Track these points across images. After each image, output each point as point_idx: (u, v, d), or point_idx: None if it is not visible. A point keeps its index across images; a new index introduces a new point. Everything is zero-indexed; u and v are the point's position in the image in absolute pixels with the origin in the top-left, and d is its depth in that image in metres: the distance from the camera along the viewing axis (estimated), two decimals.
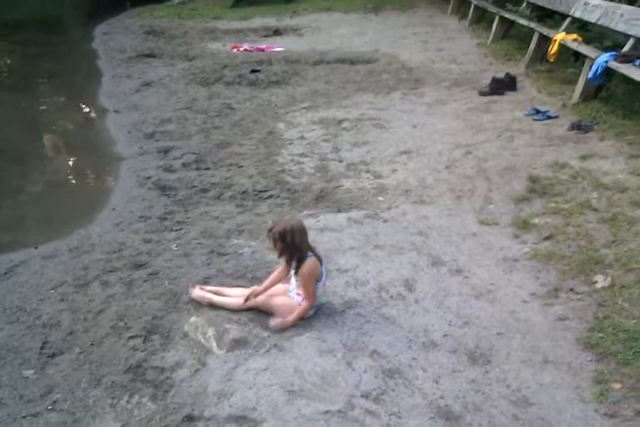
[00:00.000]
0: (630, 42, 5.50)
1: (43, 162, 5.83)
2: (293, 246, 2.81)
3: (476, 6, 10.21)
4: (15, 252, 3.86)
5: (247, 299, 2.99)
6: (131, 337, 2.88)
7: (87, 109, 7.31)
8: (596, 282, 3.19)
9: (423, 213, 4.07)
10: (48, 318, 3.07)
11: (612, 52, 5.43)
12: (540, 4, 7.96)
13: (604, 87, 5.84)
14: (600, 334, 2.79)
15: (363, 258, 3.53)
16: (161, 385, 2.59)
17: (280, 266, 3.03)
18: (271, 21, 11.85)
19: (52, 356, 2.80)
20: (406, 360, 2.69)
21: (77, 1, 16.97)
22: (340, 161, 5.01)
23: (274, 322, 2.92)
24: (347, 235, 3.79)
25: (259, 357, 2.72)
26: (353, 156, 5.11)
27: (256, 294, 3.00)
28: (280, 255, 2.88)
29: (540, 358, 2.70)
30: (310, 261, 2.85)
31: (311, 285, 2.88)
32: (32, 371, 2.71)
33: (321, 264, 2.93)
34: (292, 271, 2.90)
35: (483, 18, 10.31)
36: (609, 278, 3.18)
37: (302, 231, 2.85)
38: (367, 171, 4.79)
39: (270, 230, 2.84)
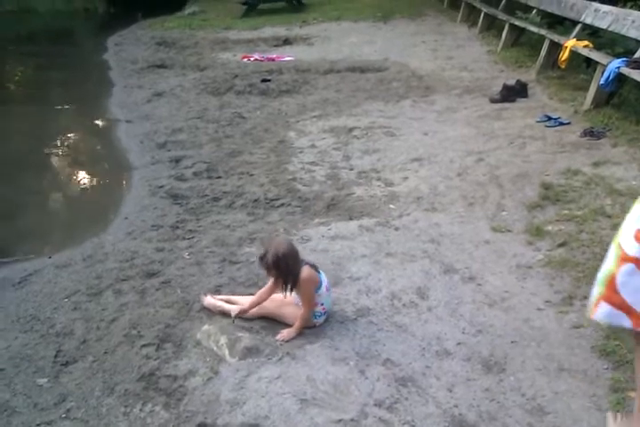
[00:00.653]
0: None
1: (55, 172, 5.90)
2: (288, 271, 2.80)
3: (485, 14, 10.23)
4: (29, 261, 3.90)
5: (235, 316, 2.97)
6: (143, 345, 2.89)
7: (99, 120, 7.38)
8: None
9: (435, 220, 4.05)
10: (62, 327, 3.08)
11: (624, 58, 5.41)
12: (550, 10, 7.97)
13: (616, 93, 5.81)
14: (616, 342, 2.75)
15: (375, 266, 3.52)
16: (174, 393, 2.59)
17: (269, 282, 2.96)
18: (281, 31, 11.93)
19: (66, 364, 2.81)
20: (420, 369, 2.67)
21: (90, 13, 17.21)
22: (351, 169, 5.02)
23: (279, 335, 2.91)
24: (358, 243, 3.79)
25: (271, 365, 2.71)
26: (364, 163, 5.11)
27: (243, 312, 2.98)
28: (276, 280, 2.85)
29: (555, 366, 2.67)
30: (305, 270, 2.85)
31: (310, 291, 2.87)
32: (46, 379, 2.72)
33: (317, 271, 2.93)
34: (288, 290, 2.86)
35: (492, 25, 10.31)
36: None
37: (294, 253, 2.83)
38: (378, 178, 4.79)
39: (262, 259, 2.81)
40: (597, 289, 1.83)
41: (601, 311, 1.81)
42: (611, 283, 1.77)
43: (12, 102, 8.54)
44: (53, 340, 2.99)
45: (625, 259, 1.73)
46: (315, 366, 2.69)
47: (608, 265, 1.82)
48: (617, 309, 1.77)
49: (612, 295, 1.76)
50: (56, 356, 2.87)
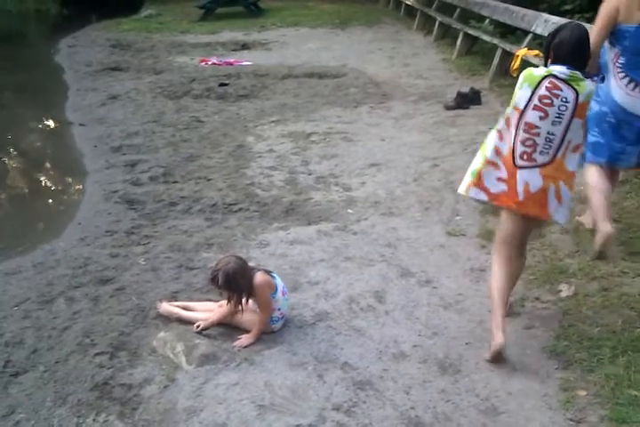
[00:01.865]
0: None
1: (6, 176, 5.72)
2: (240, 288, 2.80)
3: (440, 23, 10.45)
4: None
5: (201, 330, 2.95)
6: (97, 354, 2.82)
7: (52, 123, 7.21)
8: (560, 291, 3.25)
9: (392, 224, 4.10)
10: (11, 337, 2.98)
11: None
12: (502, 20, 8.19)
13: None
14: (565, 342, 2.84)
15: (333, 270, 3.53)
16: (129, 402, 2.54)
17: (223, 302, 2.95)
18: (239, 36, 11.90)
19: (16, 375, 2.72)
20: (377, 372, 2.70)
21: (42, 14, 16.78)
22: (310, 174, 5.03)
23: (237, 342, 2.89)
24: (317, 247, 3.80)
25: (229, 371, 2.69)
26: (322, 168, 5.14)
27: (203, 329, 2.95)
28: (230, 298, 2.83)
29: (509, 366, 2.73)
30: (258, 276, 2.85)
31: (266, 296, 2.87)
32: None
33: (271, 276, 2.93)
34: (245, 303, 2.86)
35: (447, 34, 10.54)
36: (572, 287, 3.26)
37: (244, 269, 2.82)
38: (336, 183, 4.82)
39: (213, 280, 2.80)
40: (469, 178, 2.77)
41: (471, 191, 2.77)
42: (478, 175, 2.73)
43: None
44: (2, 350, 2.88)
45: (487, 162, 2.72)
46: (273, 371, 2.68)
47: (476, 165, 2.76)
48: (480, 190, 2.74)
49: (478, 182, 2.73)
50: (5, 366, 2.77)
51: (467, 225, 4.05)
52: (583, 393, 2.54)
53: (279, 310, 2.94)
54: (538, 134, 2.58)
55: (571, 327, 2.94)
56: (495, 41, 7.79)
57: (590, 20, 5.96)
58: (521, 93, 2.61)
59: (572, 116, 2.54)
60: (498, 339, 2.64)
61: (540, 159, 2.61)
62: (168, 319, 3.06)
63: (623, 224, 3.86)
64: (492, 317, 2.75)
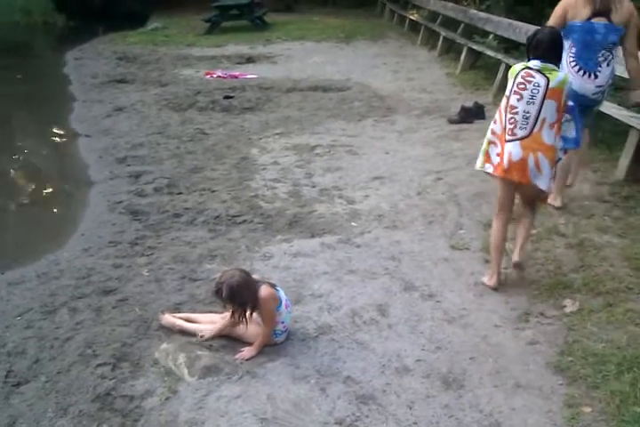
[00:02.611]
0: None
1: (11, 186, 5.74)
2: (244, 301, 2.79)
3: (444, 38, 10.53)
4: None
5: (206, 340, 2.96)
6: (99, 365, 2.81)
7: (58, 134, 7.24)
8: (564, 306, 3.24)
9: (396, 238, 4.10)
10: (13, 346, 2.98)
11: None
12: (506, 36, 8.24)
13: None
14: (570, 358, 2.83)
15: (336, 283, 3.53)
16: (130, 414, 2.53)
17: (226, 313, 2.94)
18: (244, 49, 11.99)
19: (17, 385, 2.72)
20: (380, 386, 2.68)
21: (49, 26, 16.95)
22: (314, 186, 5.04)
23: (239, 354, 2.88)
24: (320, 260, 3.80)
25: (231, 384, 2.68)
26: (326, 181, 5.15)
27: (207, 339, 2.96)
28: (234, 312, 2.83)
29: (512, 382, 2.72)
30: (263, 289, 2.84)
31: (271, 310, 2.86)
32: None
33: (276, 289, 2.92)
34: (249, 316, 2.85)
35: (451, 49, 10.61)
36: (577, 303, 3.24)
37: (247, 282, 2.80)
38: (340, 196, 4.83)
39: (217, 293, 2.79)
40: (482, 157, 3.40)
41: (485, 166, 3.37)
42: (486, 153, 3.37)
43: None
44: (4, 359, 2.88)
45: (489, 142, 3.36)
46: (275, 384, 2.67)
47: (484, 146, 3.39)
48: (490, 164, 3.35)
49: (488, 159, 3.36)
50: (7, 376, 2.77)
51: (470, 239, 4.04)
52: (588, 410, 2.52)
53: (282, 323, 2.93)
54: (517, 113, 3.18)
55: (575, 343, 2.93)
56: (499, 56, 7.84)
57: None
58: (508, 84, 3.26)
59: (544, 98, 3.11)
60: (493, 280, 3.44)
61: (520, 133, 3.18)
62: (171, 331, 3.05)
63: (628, 240, 3.85)
64: (491, 265, 3.47)
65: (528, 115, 3.15)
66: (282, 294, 2.96)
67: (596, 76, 3.98)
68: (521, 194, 3.42)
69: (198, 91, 8.31)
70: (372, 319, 3.18)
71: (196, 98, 7.98)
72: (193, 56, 11.32)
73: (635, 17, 3.87)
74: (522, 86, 3.15)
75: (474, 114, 6.76)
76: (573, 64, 4.01)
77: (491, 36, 8.84)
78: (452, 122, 6.69)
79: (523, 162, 3.17)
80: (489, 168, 3.36)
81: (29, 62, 11.74)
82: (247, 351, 2.88)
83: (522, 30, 7.57)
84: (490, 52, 8.30)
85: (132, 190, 5.02)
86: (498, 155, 3.27)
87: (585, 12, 3.87)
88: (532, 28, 7.23)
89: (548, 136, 3.17)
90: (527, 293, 3.40)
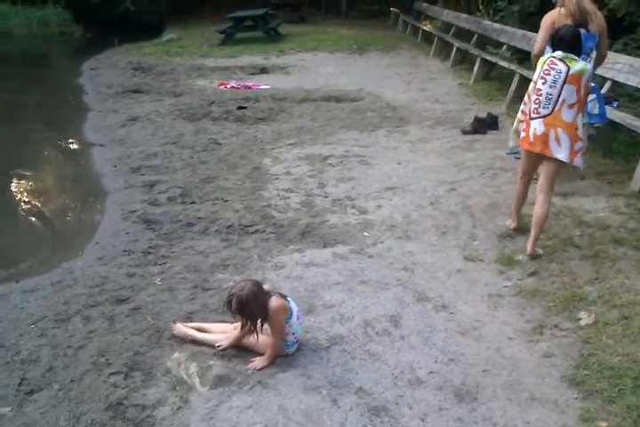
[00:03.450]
0: (607, 84, 5.69)
1: (26, 195, 5.80)
2: (254, 314, 2.77)
3: (458, 48, 10.54)
4: None
5: (223, 349, 2.96)
6: (111, 373, 2.82)
7: (73, 143, 7.32)
8: (580, 319, 3.20)
9: (408, 248, 4.09)
10: (27, 354, 3.00)
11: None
12: (519, 46, 8.25)
13: None
14: (585, 372, 2.79)
15: (348, 293, 3.52)
16: (141, 424, 2.53)
17: (238, 324, 2.93)
18: (258, 60, 12.09)
19: (31, 393, 2.73)
20: (392, 398, 2.66)
21: (66, 37, 17.21)
22: (326, 196, 5.05)
23: (251, 364, 2.87)
24: (332, 270, 3.79)
25: (242, 394, 2.67)
26: (338, 191, 5.15)
27: (224, 349, 2.96)
28: (244, 323, 2.82)
29: (527, 395, 2.68)
30: (274, 300, 2.82)
31: (280, 322, 2.84)
32: (9, 408, 2.63)
33: (287, 300, 2.91)
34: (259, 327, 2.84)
35: (464, 59, 10.62)
36: (593, 315, 3.20)
37: (257, 295, 2.77)
38: (353, 206, 4.83)
39: (229, 304, 2.78)
40: (512, 137, 4.52)
41: (515, 145, 4.33)
42: (517, 131, 4.24)
43: None
44: (18, 367, 2.90)
45: (518, 121, 4.23)
46: (287, 395, 2.66)
47: (514, 126, 4.42)
48: (519, 141, 4.09)
49: (519, 136, 4.05)
50: (20, 384, 2.78)
51: (484, 250, 4.02)
52: (604, 424, 2.48)
53: (293, 334, 2.92)
54: (541, 95, 3.74)
55: (591, 356, 2.89)
56: (513, 67, 7.83)
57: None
58: (536, 71, 3.84)
59: (564, 83, 3.65)
60: (515, 223, 4.22)
61: (543, 112, 3.75)
62: (183, 340, 3.06)
63: None
64: (512, 211, 4.24)
65: (550, 96, 3.69)
66: (293, 304, 2.95)
67: None
68: (545, 168, 3.88)
69: (212, 101, 8.37)
70: (384, 330, 3.16)
71: (210, 108, 8.05)
72: (207, 67, 11.43)
73: (605, 26, 4.54)
74: (547, 72, 3.71)
75: (487, 124, 6.75)
76: None
77: (504, 47, 8.84)
78: (465, 133, 6.68)
79: (544, 136, 3.73)
80: (518, 145, 4.13)
81: (46, 73, 11.92)
82: (259, 361, 2.88)
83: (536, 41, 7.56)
84: (503, 63, 8.30)
85: (146, 200, 5.05)
86: (524, 130, 3.89)
87: (568, 23, 4.29)
88: None
89: (566, 115, 3.70)
90: (542, 305, 3.36)
